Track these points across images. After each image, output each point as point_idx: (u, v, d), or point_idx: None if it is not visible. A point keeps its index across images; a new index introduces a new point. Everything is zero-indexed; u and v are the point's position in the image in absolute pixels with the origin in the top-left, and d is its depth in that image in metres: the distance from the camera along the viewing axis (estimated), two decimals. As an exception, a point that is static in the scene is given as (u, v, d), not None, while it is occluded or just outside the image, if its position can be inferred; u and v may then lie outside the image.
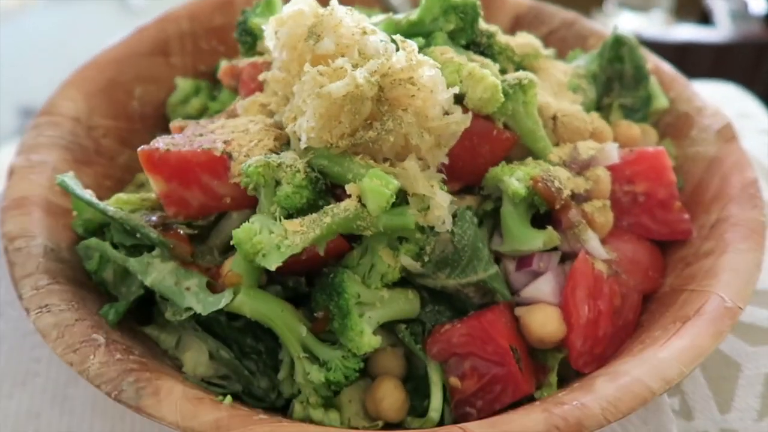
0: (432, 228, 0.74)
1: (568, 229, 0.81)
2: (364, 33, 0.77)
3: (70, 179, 0.73)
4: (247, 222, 0.69)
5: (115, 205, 0.79)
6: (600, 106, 1.01)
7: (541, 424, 0.57)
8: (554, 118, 0.90)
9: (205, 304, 0.69)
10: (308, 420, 0.71)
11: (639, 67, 1.01)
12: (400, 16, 0.90)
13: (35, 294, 0.68)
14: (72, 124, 0.91)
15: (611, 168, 0.87)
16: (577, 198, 0.84)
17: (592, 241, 0.80)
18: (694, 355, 0.63)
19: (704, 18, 2.78)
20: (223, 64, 0.96)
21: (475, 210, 0.84)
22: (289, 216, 0.72)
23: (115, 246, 0.75)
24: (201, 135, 0.79)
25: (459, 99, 0.80)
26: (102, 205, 0.73)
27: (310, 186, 0.72)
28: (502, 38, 0.93)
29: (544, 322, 0.75)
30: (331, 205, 0.70)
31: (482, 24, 0.92)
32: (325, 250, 0.73)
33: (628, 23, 2.66)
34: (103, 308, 0.72)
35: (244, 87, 0.91)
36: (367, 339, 0.70)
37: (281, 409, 0.74)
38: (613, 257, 0.83)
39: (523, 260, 0.80)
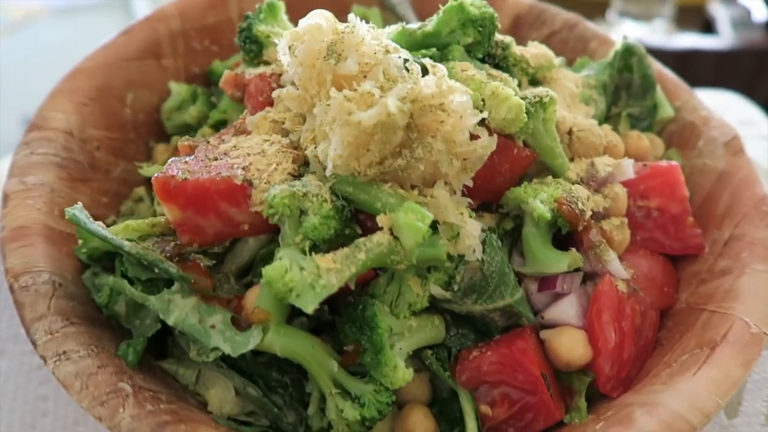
0: (462, 256, 0.73)
1: (590, 249, 0.81)
2: (387, 52, 0.74)
3: (80, 211, 0.68)
4: (277, 259, 0.66)
5: (124, 233, 0.74)
6: (608, 116, 1.01)
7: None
8: (570, 132, 0.89)
9: (233, 344, 0.67)
10: (339, 456, 0.70)
11: (647, 76, 1.01)
12: (414, 26, 0.87)
13: (50, 339, 0.64)
14: (65, 139, 0.85)
15: (626, 184, 0.87)
16: (596, 216, 0.84)
17: (614, 262, 0.80)
18: (729, 385, 0.64)
19: (706, 27, 2.74)
20: (226, 73, 0.91)
21: (494, 229, 0.83)
22: (315, 246, 0.69)
23: (130, 280, 0.71)
24: (216, 158, 0.75)
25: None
26: (117, 240, 0.69)
27: (337, 215, 0.70)
28: (517, 50, 0.91)
29: (572, 346, 0.75)
30: (363, 239, 0.68)
31: (497, 35, 0.90)
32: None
33: (630, 32, 2.65)
34: (120, 347, 0.69)
35: (251, 100, 0.87)
36: (401, 373, 0.69)
37: (309, 442, 0.73)
38: (631, 275, 0.84)
39: (546, 281, 0.80)
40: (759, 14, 2.62)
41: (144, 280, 0.71)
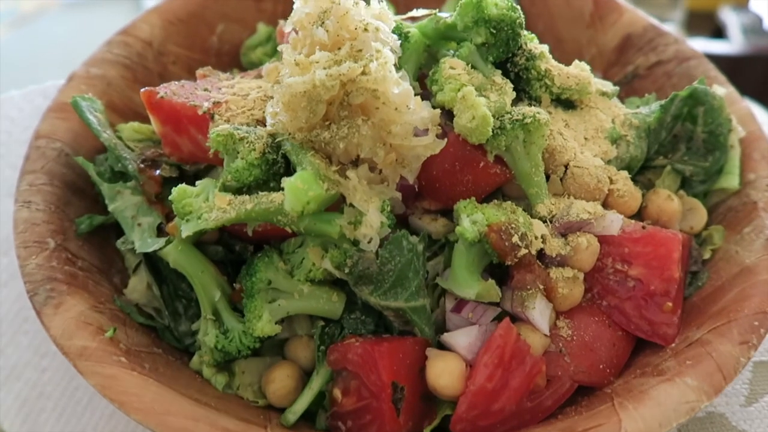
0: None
1: (517, 289, 0.74)
2: (365, 30, 0.75)
3: (84, 100, 0.84)
4: (197, 185, 0.74)
5: (129, 131, 0.88)
6: (652, 166, 0.88)
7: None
8: (567, 166, 0.80)
9: (143, 242, 0.77)
10: (199, 374, 0.77)
11: (714, 134, 0.85)
12: (444, 14, 0.85)
13: (28, 189, 0.81)
14: (142, 47, 1.02)
15: (608, 240, 0.77)
16: (548, 260, 0.76)
17: (536, 311, 0.73)
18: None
19: (717, 32, 2.71)
20: (280, 23, 0.99)
21: (443, 236, 0.80)
22: (239, 189, 0.75)
23: (111, 169, 0.85)
24: (206, 89, 0.84)
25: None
26: (99, 130, 0.83)
27: (263, 166, 0.74)
28: (545, 64, 0.83)
29: (441, 373, 0.71)
30: (264, 194, 0.72)
31: (530, 44, 0.83)
32: (265, 231, 0.76)
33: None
34: (81, 217, 0.83)
35: (283, 50, 0.94)
36: (262, 324, 0.73)
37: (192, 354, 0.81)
38: (566, 335, 0.75)
39: (459, 304, 0.76)
40: (770, 21, 2.36)
41: (115, 171, 0.84)
